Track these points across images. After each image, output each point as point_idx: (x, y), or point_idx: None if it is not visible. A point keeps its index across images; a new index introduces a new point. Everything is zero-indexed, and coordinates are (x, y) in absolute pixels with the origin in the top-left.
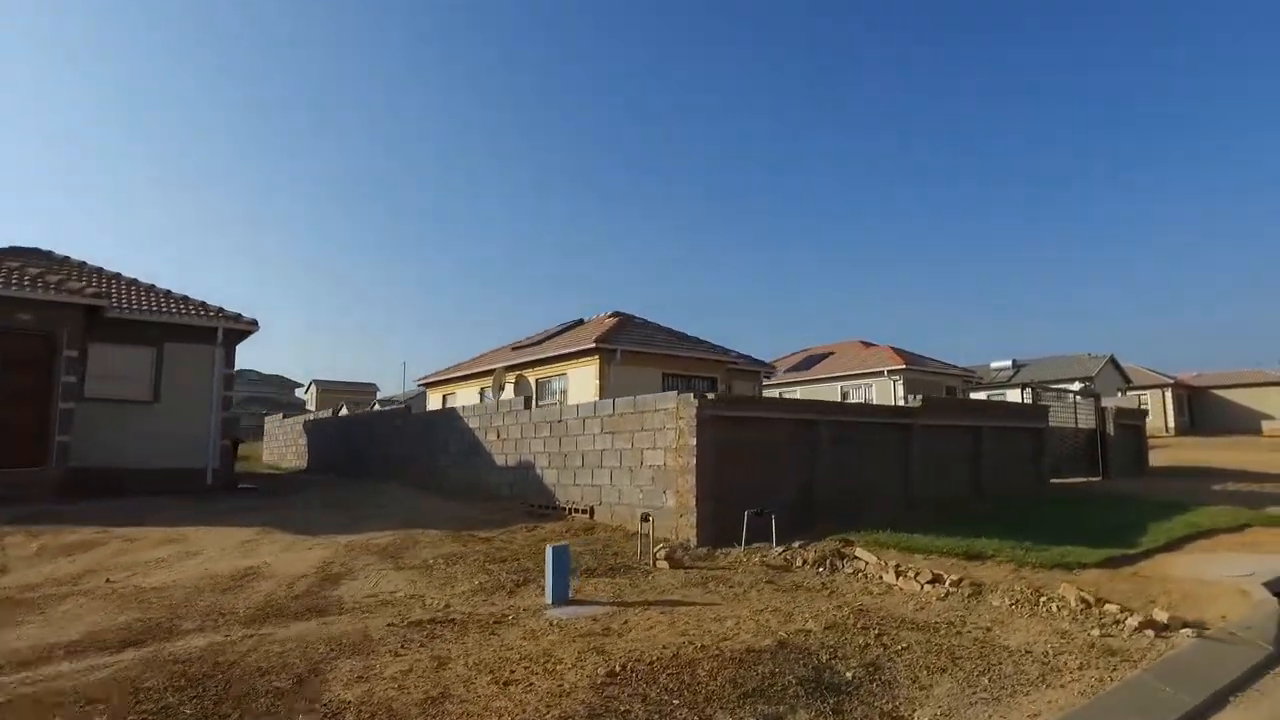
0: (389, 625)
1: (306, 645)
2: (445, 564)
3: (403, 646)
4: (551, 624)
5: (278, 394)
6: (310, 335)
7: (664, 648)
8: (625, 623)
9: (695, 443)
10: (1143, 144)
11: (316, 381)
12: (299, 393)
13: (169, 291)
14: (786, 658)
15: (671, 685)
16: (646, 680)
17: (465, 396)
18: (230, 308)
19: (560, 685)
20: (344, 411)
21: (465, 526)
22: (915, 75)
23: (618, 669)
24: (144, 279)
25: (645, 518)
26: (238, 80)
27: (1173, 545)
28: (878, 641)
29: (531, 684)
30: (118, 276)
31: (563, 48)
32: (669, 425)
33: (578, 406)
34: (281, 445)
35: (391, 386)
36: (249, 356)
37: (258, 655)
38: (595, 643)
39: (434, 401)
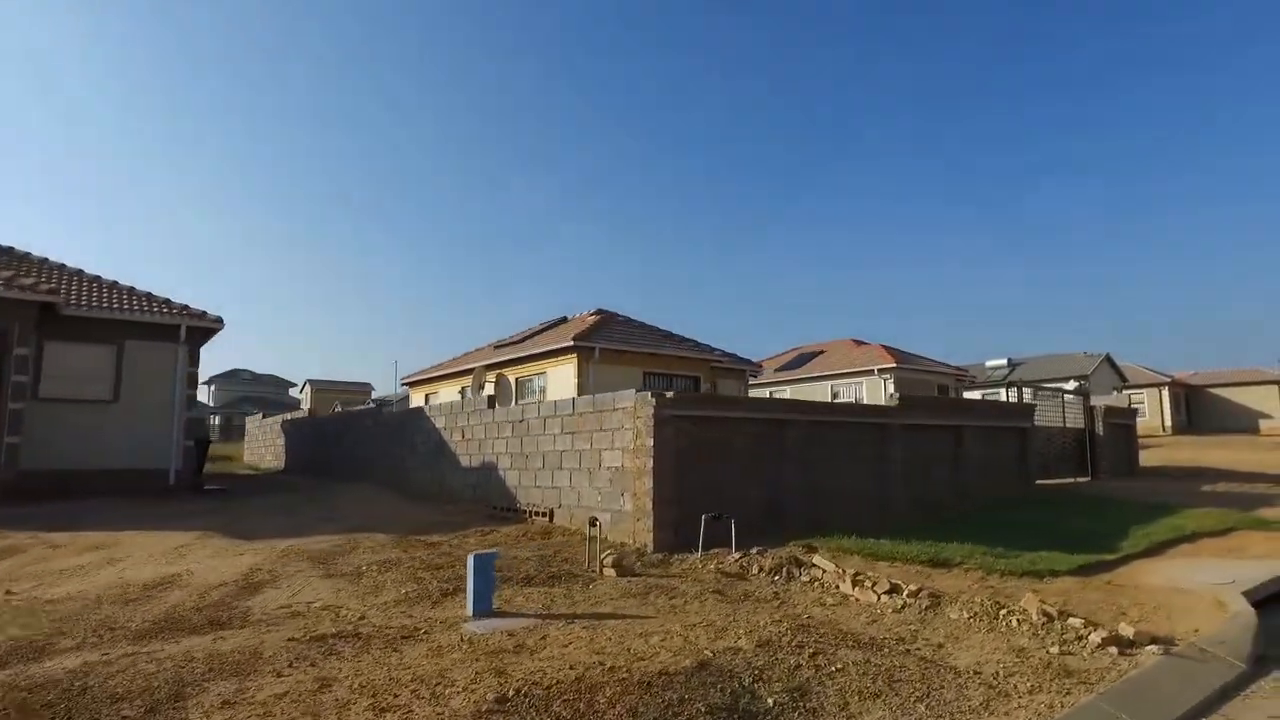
0: (289, 640)
1: (186, 664)
2: (377, 571)
3: (290, 665)
4: (463, 639)
5: (273, 394)
6: (309, 335)
7: (570, 669)
8: (543, 639)
9: (652, 443)
10: (1141, 142)
11: (311, 381)
12: (294, 392)
13: (133, 289)
14: (703, 681)
15: (564, 714)
16: (538, 708)
17: (447, 396)
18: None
19: (440, 713)
20: (338, 409)
21: (419, 530)
22: (913, 72)
23: (510, 694)
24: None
25: (593, 522)
26: (240, 82)
27: (1154, 550)
28: (811, 662)
29: (411, 711)
30: (80, 273)
31: (565, 44)
32: (627, 425)
33: (539, 405)
34: (261, 446)
35: (387, 386)
36: (244, 356)
37: (124, 678)
38: (500, 662)
39: (417, 401)
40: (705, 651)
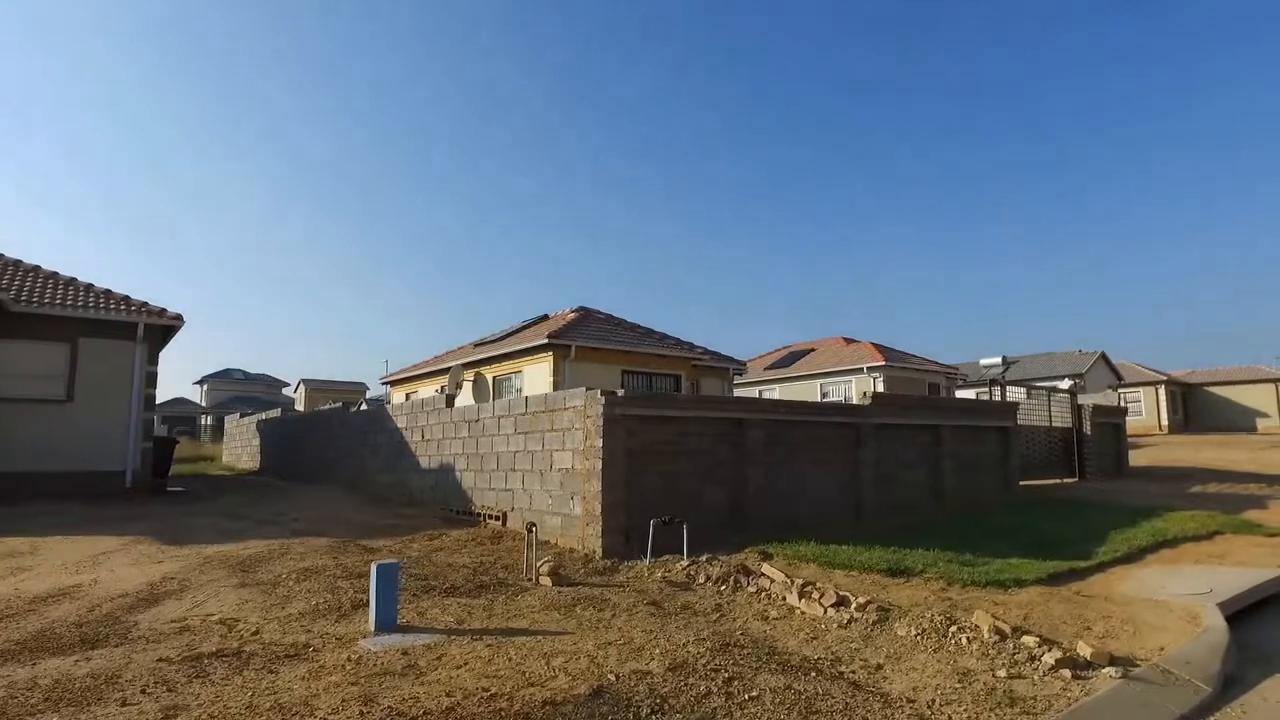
0: (159, 660)
1: (24, 692)
2: (295, 580)
3: (144, 692)
4: (351, 659)
5: (265, 393)
6: (307, 334)
7: (447, 697)
8: (439, 659)
9: (602, 444)
10: (1139, 142)
11: (305, 381)
12: (287, 392)
13: (90, 286)
14: (593, 712)
15: None
16: None
17: (427, 396)
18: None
19: None
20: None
21: (366, 534)
22: (907, 70)
23: None
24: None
25: (530, 527)
26: (238, 80)
27: (1132, 556)
28: (724, 689)
29: None
30: (37, 269)
31: (565, 42)
32: (577, 425)
33: (494, 405)
34: (239, 446)
35: (381, 386)
36: (238, 356)
37: None
38: (377, 687)
39: (399, 401)
40: (609, 675)
